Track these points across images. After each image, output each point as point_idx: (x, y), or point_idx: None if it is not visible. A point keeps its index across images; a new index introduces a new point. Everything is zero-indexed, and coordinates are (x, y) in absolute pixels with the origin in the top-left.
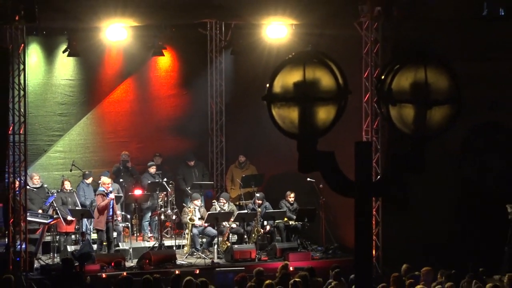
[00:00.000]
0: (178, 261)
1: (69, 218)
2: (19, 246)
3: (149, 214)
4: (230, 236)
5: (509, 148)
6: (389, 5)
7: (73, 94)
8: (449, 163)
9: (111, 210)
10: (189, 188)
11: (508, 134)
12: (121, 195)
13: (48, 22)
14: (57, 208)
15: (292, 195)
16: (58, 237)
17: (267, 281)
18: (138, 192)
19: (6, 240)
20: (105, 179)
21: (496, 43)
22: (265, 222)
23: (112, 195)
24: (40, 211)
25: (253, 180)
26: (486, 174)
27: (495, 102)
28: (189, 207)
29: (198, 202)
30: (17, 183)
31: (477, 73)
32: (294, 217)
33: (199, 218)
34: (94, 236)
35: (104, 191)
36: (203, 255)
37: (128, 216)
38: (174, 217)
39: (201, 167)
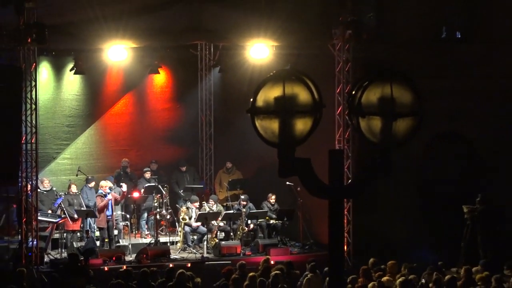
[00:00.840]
0: (172, 256)
1: (76, 216)
2: (31, 243)
3: (146, 214)
4: (218, 233)
5: (465, 155)
6: (359, 29)
7: (79, 107)
8: (412, 168)
9: (110, 209)
10: (181, 191)
11: (464, 142)
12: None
13: (56, 44)
14: (64, 209)
15: (273, 197)
16: (65, 234)
17: (251, 273)
18: (136, 194)
19: (19, 237)
20: (103, 182)
21: (453, 62)
22: (249, 221)
23: (110, 196)
24: (49, 211)
25: (239, 184)
26: (445, 179)
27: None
28: (183, 208)
29: (196, 204)
30: (29, 186)
31: (437, 89)
32: (275, 216)
33: (193, 219)
34: (97, 233)
35: (102, 193)
36: (194, 251)
37: (128, 216)
38: (168, 216)
39: (192, 172)
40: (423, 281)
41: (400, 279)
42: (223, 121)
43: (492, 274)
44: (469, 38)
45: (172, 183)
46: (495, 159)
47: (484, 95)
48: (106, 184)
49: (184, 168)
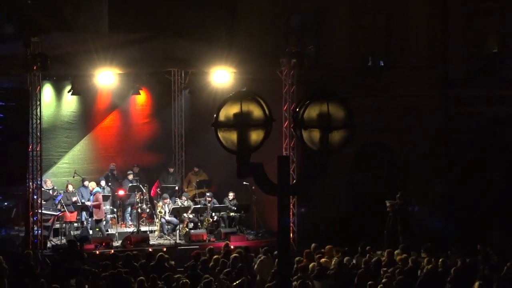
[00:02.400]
0: (151, 242)
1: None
2: (36, 231)
3: (130, 208)
4: (188, 223)
5: (387, 161)
6: (301, 59)
7: (75, 122)
8: (345, 170)
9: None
10: (159, 189)
11: (386, 150)
12: (110, 194)
13: (57, 70)
14: (63, 204)
15: (232, 194)
16: (64, 224)
17: (215, 256)
18: (121, 192)
19: (27, 227)
20: (92, 184)
21: (377, 85)
22: (213, 214)
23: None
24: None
25: (205, 183)
26: (371, 180)
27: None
28: (160, 203)
29: (167, 201)
30: (34, 186)
31: (365, 107)
32: (234, 208)
33: (168, 212)
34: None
35: (98, 191)
36: (169, 238)
37: (115, 210)
38: (147, 210)
39: (175, 174)
40: (354, 262)
41: (336, 260)
42: (192, 133)
43: (409, 256)
44: (390, 65)
45: (160, 180)
46: (411, 163)
47: (402, 111)
48: (93, 186)
49: (171, 170)
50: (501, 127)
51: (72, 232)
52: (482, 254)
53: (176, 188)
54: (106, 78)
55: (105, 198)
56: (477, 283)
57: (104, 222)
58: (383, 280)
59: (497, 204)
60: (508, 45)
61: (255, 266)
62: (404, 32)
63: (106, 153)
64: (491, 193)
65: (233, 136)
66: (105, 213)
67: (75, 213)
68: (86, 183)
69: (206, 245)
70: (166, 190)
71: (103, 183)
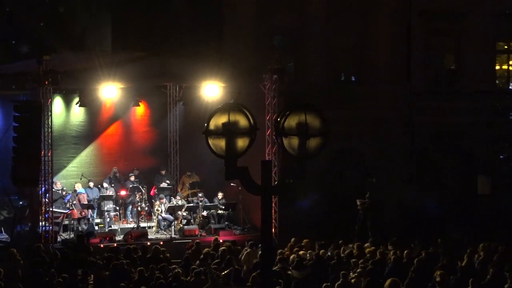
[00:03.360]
0: (149, 236)
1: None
2: (47, 227)
3: (131, 206)
4: (182, 220)
5: (357, 164)
6: (282, 74)
7: (83, 130)
8: (320, 173)
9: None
10: (156, 189)
11: (357, 155)
12: (113, 194)
13: (66, 85)
14: (72, 203)
15: (221, 194)
16: (72, 221)
17: (206, 249)
18: (123, 192)
19: (40, 223)
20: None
21: (349, 97)
22: (204, 211)
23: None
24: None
25: (197, 185)
26: (344, 181)
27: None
28: (157, 202)
29: (163, 200)
30: (46, 187)
31: (338, 117)
32: (223, 207)
33: (164, 210)
34: (97, 220)
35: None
36: (165, 233)
37: (117, 208)
38: (146, 208)
39: (168, 175)
40: (329, 254)
41: (312, 253)
42: (185, 140)
43: (377, 249)
44: (360, 80)
45: (154, 182)
46: (378, 167)
47: (371, 121)
48: (78, 186)
49: (163, 172)
50: (458, 135)
51: (79, 228)
52: (441, 247)
53: (170, 186)
54: (110, 91)
55: (108, 197)
56: (438, 272)
57: (108, 219)
58: (358, 270)
59: (454, 203)
60: (464, 62)
61: (242, 257)
62: (373, 51)
63: (110, 157)
64: (449, 193)
65: (222, 143)
66: (108, 211)
67: (83, 211)
68: (91, 184)
69: (197, 239)
70: (163, 191)
71: (106, 184)
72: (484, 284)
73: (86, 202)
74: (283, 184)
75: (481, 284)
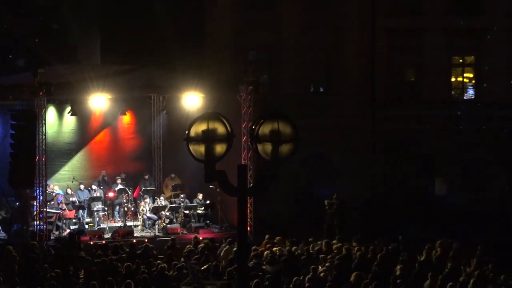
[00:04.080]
0: (135, 234)
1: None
2: (41, 226)
3: (118, 207)
4: (165, 219)
5: (325, 167)
6: (257, 86)
7: (74, 137)
8: (292, 176)
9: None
10: (141, 192)
11: (324, 159)
12: (102, 196)
13: (59, 95)
14: (64, 204)
15: (201, 195)
16: (64, 220)
17: (188, 246)
18: (111, 194)
19: (34, 223)
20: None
21: (318, 107)
22: (185, 211)
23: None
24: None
25: (179, 187)
26: (313, 183)
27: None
28: (142, 203)
29: (147, 200)
30: (40, 189)
31: (308, 125)
32: (203, 207)
33: (148, 210)
34: (87, 219)
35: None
36: (150, 231)
37: (106, 208)
38: (132, 209)
39: (150, 179)
40: (299, 250)
41: (285, 249)
42: (168, 146)
43: (343, 245)
44: (328, 91)
45: (140, 185)
46: (345, 170)
47: (338, 128)
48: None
49: (146, 177)
50: (417, 141)
51: (71, 227)
52: (402, 243)
53: (153, 188)
54: (99, 101)
55: (97, 199)
56: (398, 266)
57: (97, 219)
58: (326, 265)
59: (413, 203)
60: (423, 75)
61: (221, 253)
62: (340, 65)
63: (99, 162)
64: (408, 194)
65: (201, 148)
66: (97, 211)
67: (73, 211)
68: (81, 186)
69: (179, 237)
70: (147, 192)
71: (95, 187)
72: (442, 277)
73: (63, 203)
74: (258, 186)
75: (439, 278)
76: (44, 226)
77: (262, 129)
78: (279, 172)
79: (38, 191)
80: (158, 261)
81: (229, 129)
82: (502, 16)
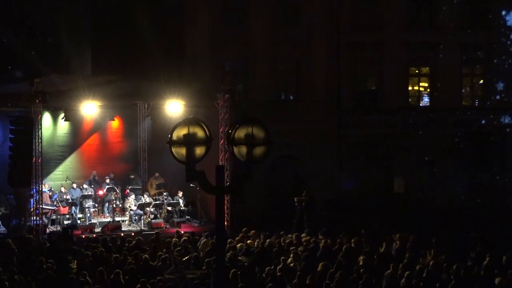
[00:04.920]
0: (123, 229)
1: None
2: (38, 221)
3: (107, 204)
4: (150, 215)
5: (296, 168)
6: (233, 94)
7: (67, 141)
8: (264, 175)
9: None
10: (128, 189)
11: (294, 160)
12: (92, 194)
13: (53, 103)
14: (58, 201)
15: (181, 193)
16: (59, 216)
17: (174, 239)
18: (101, 192)
19: (31, 218)
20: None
21: (288, 113)
22: (168, 207)
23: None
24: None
25: (162, 186)
26: (284, 182)
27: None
28: (129, 200)
29: (132, 197)
30: (37, 187)
31: (280, 129)
32: (184, 204)
33: (135, 205)
34: (79, 215)
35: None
36: (136, 225)
37: (96, 205)
38: (120, 205)
39: (136, 179)
40: (272, 242)
41: (258, 241)
42: (153, 149)
43: (312, 238)
44: (298, 98)
45: (126, 184)
46: (313, 170)
47: (307, 132)
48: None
49: (132, 176)
50: (378, 144)
51: (65, 222)
52: (365, 236)
53: (139, 187)
54: (90, 108)
55: (89, 196)
56: (361, 257)
57: (88, 214)
58: (293, 256)
59: (375, 200)
60: (383, 84)
61: (199, 245)
62: (308, 75)
63: (90, 163)
64: (370, 192)
65: (183, 151)
66: (88, 207)
67: (67, 207)
68: (74, 185)
69: (163, 231)
70: (134, 191)
71: (86, 185)
72: (401, 267)
73: (48, 201)
74: (234, 185)
75: (398, 267)
76: (40, 221)
77: (238, 133)
78: (253, 172)
79: (34, 189)
80: (143, 253)
81: (207, 133)
82: (452, 31)
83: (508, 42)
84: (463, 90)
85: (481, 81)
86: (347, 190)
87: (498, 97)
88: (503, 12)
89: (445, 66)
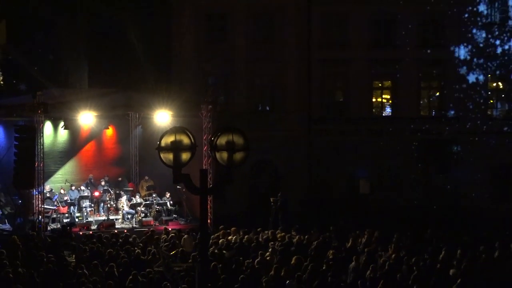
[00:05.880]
0: (117, 226)
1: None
2: (40, 219)
3: (102, 203)
4: (141, 214)
5: (272, 172)
6: (215, 105)
7: (66, 147)
8: (244, 178)
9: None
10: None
11: (270, 164)
12: (89, 195)
13: (54, 113)
14: (58, 201)
15: (169, 194)
16: (59, 215)
17: (163, 235)
18: (97, 193)
19: (34, 216)
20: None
21: (264, 123)
22: (157, 207)
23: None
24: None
25: (152, 187)
26: (261, 184)
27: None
28: (121, 200)
29: (124, 198)
30: (39, 189)
31: (257, 137)
32: (171, 203)
33: (127, 205)
34: (77, 214)
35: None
36: (128, 223)
37: (92, 205)
38: (114, 205)
39: (124, 181)
40: (250, 238)
41: (238, 237)
42: (143, 154)
43: (286, 234)
44: (273, 109)
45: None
46: (287, 173)
47: (281, 140)
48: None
49: (120, 179)
50: (345, 150)
51: (64, 220)
52: (333, 233)
53: (131, 189)
54: (87, 118)
55: (86, 197)
56: (330, 251)
57: (85, 213)
58: (269, 250)
59: (342, 199)
60: (350, 96)
61: (182, 241)
62: (282, 88)
63: (86, 167)
64: (338, 192)
65: (170, 156)
66: (85, 207)
67: (66, 207)
68: (72, 187)
69: (153, 228)
70: (126, 192)
71: (83, 187)
72: (365, 259)
73: (49, 202)
74: (216, 187)
75: (362, 260)
76: (42, 220)
77: (220, 140)
78: (233, 175)
79: (37, 191)
80: (135, 248)
81: (192, 140)
82: (411, 49)
83: (461, 58)
84: (421, 102)
85: (437, 94)
86: (318, 191)
87: (452, 107)
88: (456, 32)
89: (404, 80)
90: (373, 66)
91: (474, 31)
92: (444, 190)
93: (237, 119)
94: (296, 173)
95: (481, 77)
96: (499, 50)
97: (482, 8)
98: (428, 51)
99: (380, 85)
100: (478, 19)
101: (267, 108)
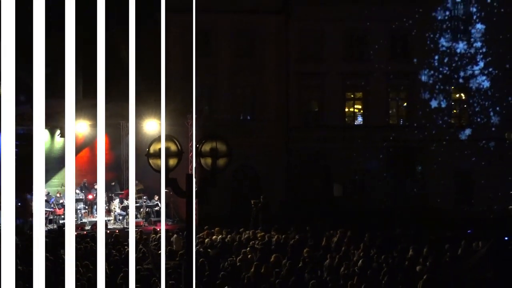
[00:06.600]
0: (109, 227)
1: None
2: None
3: (95, 206)
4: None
5: (253, 175)
6: (198, 117)
7: (62, 154)
8: (228, 182)
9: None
10: (113, 194)
11: (251, 169)
12: (83, 198)
13: (50, 122)
14: (55, 204)
15: (157, 197)
16: (55, 216)
17: (152, 235)
18: (90, 196)
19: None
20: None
21: (246, 131)
22: (147, 209)
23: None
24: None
25: (142, 191)
26: (244, 187)
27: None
28: (114, 202)
29: (117, 201)
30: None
31: (239, 144)
32: (160, 205)
33: (119, 207)
34: None
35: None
36: (119, 224)
37: (86, 207)
38: (106, 207)
39: (116, 186)
40: (232, 238)
41: (221, 237)
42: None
43: (266, 234)
44: (254, 119)
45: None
46: (267, 177)
47: (262, 146)
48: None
49: (113, 183)
50: (320, 155)
51: (60, 221)
52: (309, 232)
53: (122, 192)
54: (81, 127)
55: (80, 200)
56: (306, 249)
57: (80, 215)
58: (247, 249)
59: (317, 202)
60: (324, 106)
61: (173, 240)
62: (263, 99)
63: (81, 172)
64: (314, 195)
65: (159, 162)
66: (80, 209)
67: (62, 209)
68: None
69: (143, 228)
70: (118, 195)
71: (77, 191)
72: (338, 257)
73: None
74: (201, 190)
75: (336, 257)
76: None
77: (204, 147)
78: (217, 179)
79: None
80: (125, 247)
81: (179, 147)
82: (381, 62)
83: (427, 71)
84: (390, 111)
85: (405, 104)
86: (296, 194)
87: (419, 116)
88: (422, 45)
89: (375, 91)
90: (346, 78)
91: (440, 45)
92: (411, 193)
93: (221, 127)
94: (275, 177)
95: (446, 88)
96: (463, 62)
97: (445, 24)
98: (396, 63)
99: (352, 96)
100: (443, 33)
101: (248, 117)
